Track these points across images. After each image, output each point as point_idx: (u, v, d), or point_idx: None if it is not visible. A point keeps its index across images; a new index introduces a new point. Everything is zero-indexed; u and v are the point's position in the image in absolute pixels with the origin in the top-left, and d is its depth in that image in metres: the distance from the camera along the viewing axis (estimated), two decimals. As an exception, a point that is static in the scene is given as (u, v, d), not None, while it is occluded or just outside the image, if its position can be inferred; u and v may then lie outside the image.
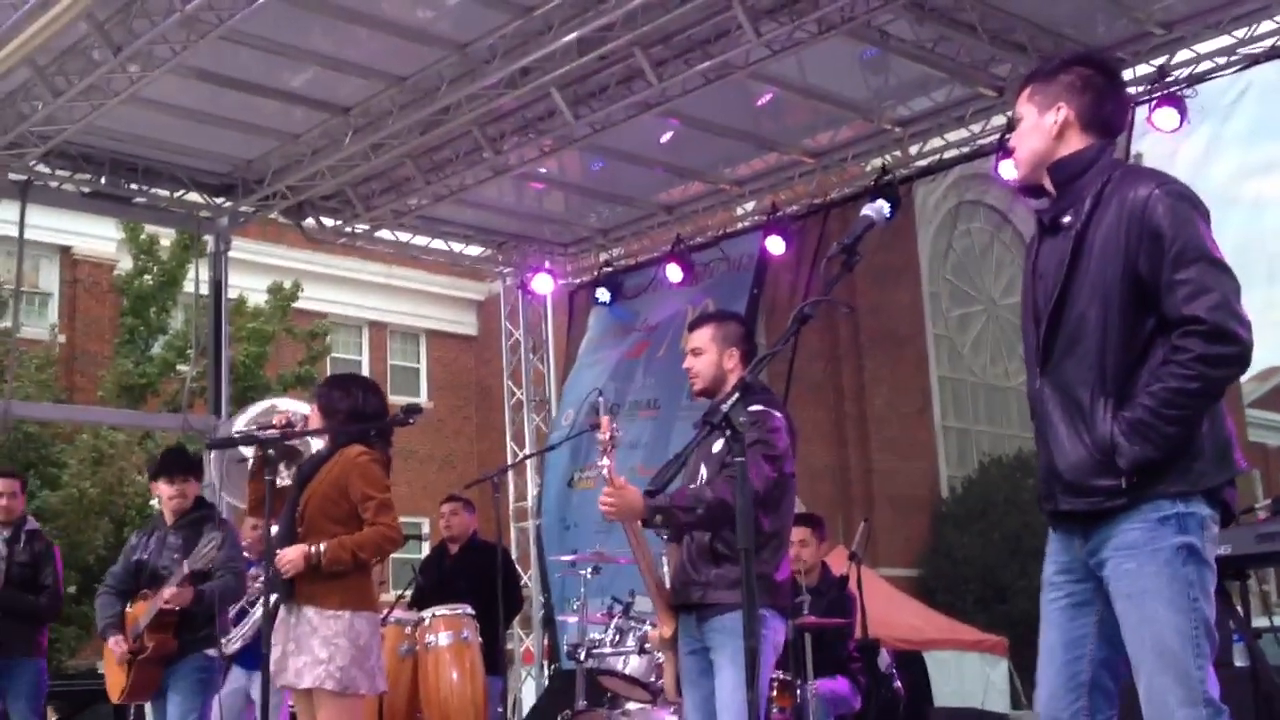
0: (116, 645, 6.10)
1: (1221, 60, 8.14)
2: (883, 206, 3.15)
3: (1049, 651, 3.08)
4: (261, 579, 6.53)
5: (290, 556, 4.70)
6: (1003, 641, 17.60)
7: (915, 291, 25.20)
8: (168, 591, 5.91)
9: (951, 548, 23.24)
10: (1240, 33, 7.94)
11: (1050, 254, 3.10)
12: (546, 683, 10.57)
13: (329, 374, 20.25)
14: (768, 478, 4.15)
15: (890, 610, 13.73)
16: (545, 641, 10.82)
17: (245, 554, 6.75)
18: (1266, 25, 7.83)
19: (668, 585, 4.44)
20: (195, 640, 6.09)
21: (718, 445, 4.22)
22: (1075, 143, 3.12)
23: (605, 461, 4.27)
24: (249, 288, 16.99)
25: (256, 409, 5.85)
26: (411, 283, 23.06)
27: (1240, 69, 8.12)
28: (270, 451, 4.48)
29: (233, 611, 6.43)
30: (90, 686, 8.40)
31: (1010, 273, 28.21)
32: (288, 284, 17.87)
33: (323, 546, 4.70)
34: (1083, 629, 3.04)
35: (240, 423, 5.90)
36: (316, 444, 5.04)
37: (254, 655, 6.44)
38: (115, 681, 6.22)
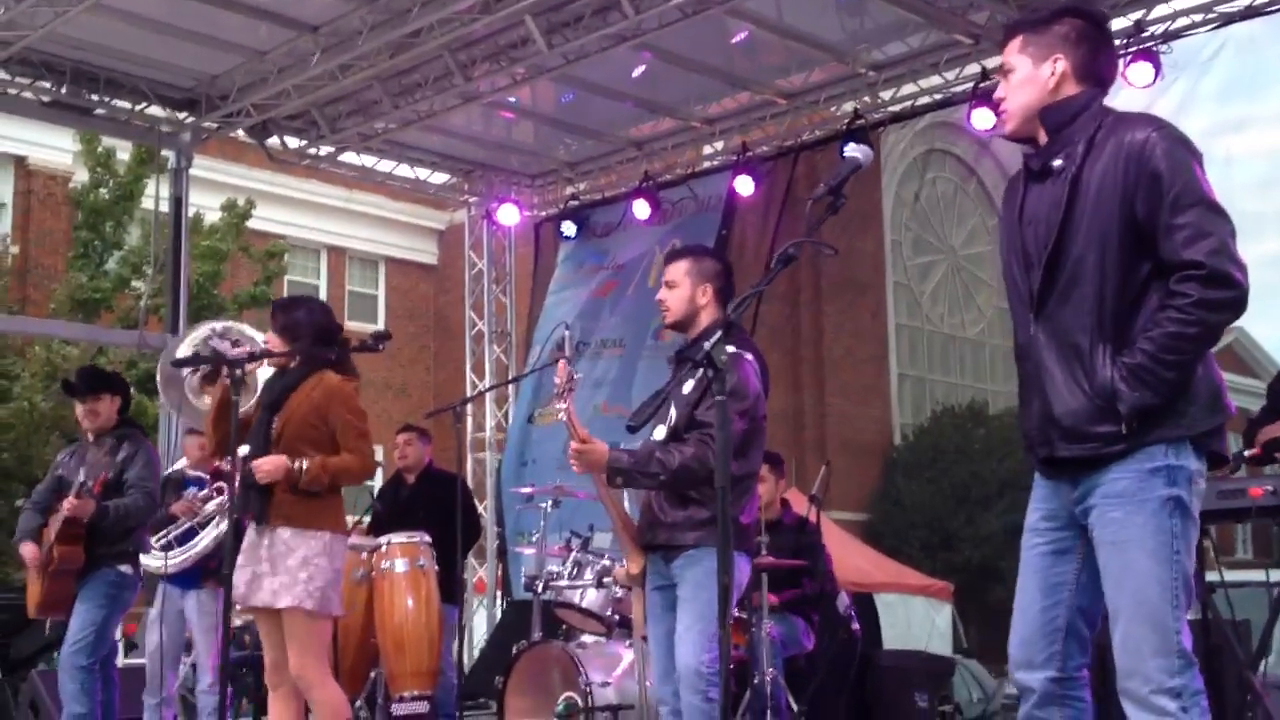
0: (28, 552, 6.16)
1: (1198, 17, 8.12)
2: (868, 150, 3.13)
3: (1026, 596, 3.08)
4: (205, 499, 6.54)
5: (270, 466, 4.63)
6: (948, 587, 17.84)
7: (878, 238, 25.24)
8: (68, 502, 5.92)
9: (900, 494, 23.49)
10: (1219, -10, 7.93)
11: (1040, 200, 3.06)
12: (499, 614, 10.63)
13: (286, 295, 20.13)
14: (737, 431, 4.13)
15: (841, 553, 13.80)
16: (499, 574, 10.86)
17: (193, 471, 6.73)
18: (1245, -17, 7.83)
19: (635, 523, 4.44)
20: (109, 555, 6.11)
21: (688, 385, 4.22)
22: (1069, 95, 3.10)
23: (562, 405, 4.24)
24: (204, 205, 16.75)
25: (205, 329, 5.76)
26: (372, 208, 22.85)
27: (1216, 26, 8.12)
28: (238, 372, 4.41)
29: (177, 531, 6.41)
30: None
31: (973, 223, 28.32)
32: (242, 202, 17.61)
33: (305, 464, 4.64)
34: (1062, 576, 3.05)
35: (189, 342, 5.81)
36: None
37: (191, 576, 6.48)
38: (33, 594, 6.28)
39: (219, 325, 5.38)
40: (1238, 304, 2.88)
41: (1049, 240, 3.00)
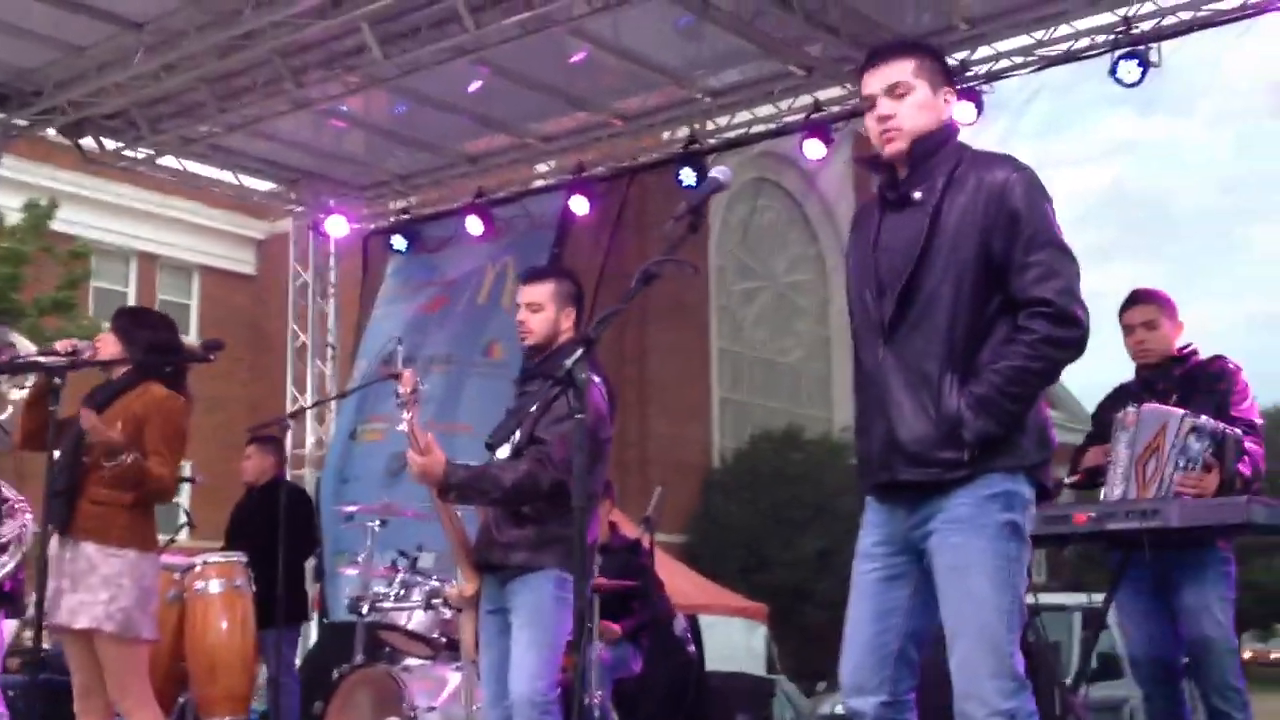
0: None
1: (1019, 60, 8.43)
2: (727, 171, 3.13)
3: (859, 622, 3.11)
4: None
5: (98, 420, 4.37)
6: (763, 608, 18.12)
7: (702, 262, 25.55)
8: None
9: (718, 516, 23.76)
10: (1039, 34, 8.24)
11: (897, 229, 3.11)
12: (315, 636, 10.33)
13: (92, 302, 19.26)
14: (568, 458, 4.09)
15: (663, 574, 13.91)
16: (315, 594, 10.54)
17: None
18: (1064, 29, 8.16)
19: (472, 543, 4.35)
20: None
21: (533, 406, 4.19)
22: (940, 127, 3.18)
23: (406, 415, 4.13)
24: (4, 206, 15.97)
25: None
26: (186, 214, 22.15)
27: (1036, 69, 8.44)
28: (58, 380, 4.17)
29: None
30: None
31: (795, 251, 28.92)
32: (43, 201, 16.80)
33: (128, 456, 4.41)
34: (895, 601, 3.09)
35: None
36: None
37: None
38: None
39: None
40: (1081, 343, 3.00)
41: (905, 269, 3.04)
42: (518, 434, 4.19)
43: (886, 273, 3.09)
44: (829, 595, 22.54)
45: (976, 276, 3.00)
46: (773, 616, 18.63)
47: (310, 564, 10.47)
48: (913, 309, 3.03)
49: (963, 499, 2.98)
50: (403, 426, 4.05)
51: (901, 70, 3.16)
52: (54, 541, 4.49)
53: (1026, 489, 3.03)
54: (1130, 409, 4.59)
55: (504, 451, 4.20)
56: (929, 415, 2.99)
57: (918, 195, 3.08)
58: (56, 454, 4.46)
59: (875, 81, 3.16)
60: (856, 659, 3.10)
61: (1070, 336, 2.98)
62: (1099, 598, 7.83)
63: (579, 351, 2.96)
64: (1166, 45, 7.85)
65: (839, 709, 12.97)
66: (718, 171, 3.11)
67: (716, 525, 23.61)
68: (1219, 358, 4.81)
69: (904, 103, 3.13)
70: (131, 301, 21.60)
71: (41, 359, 4.38)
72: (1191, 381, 4.72)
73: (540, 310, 4.34)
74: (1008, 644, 2.93)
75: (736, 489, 24.03)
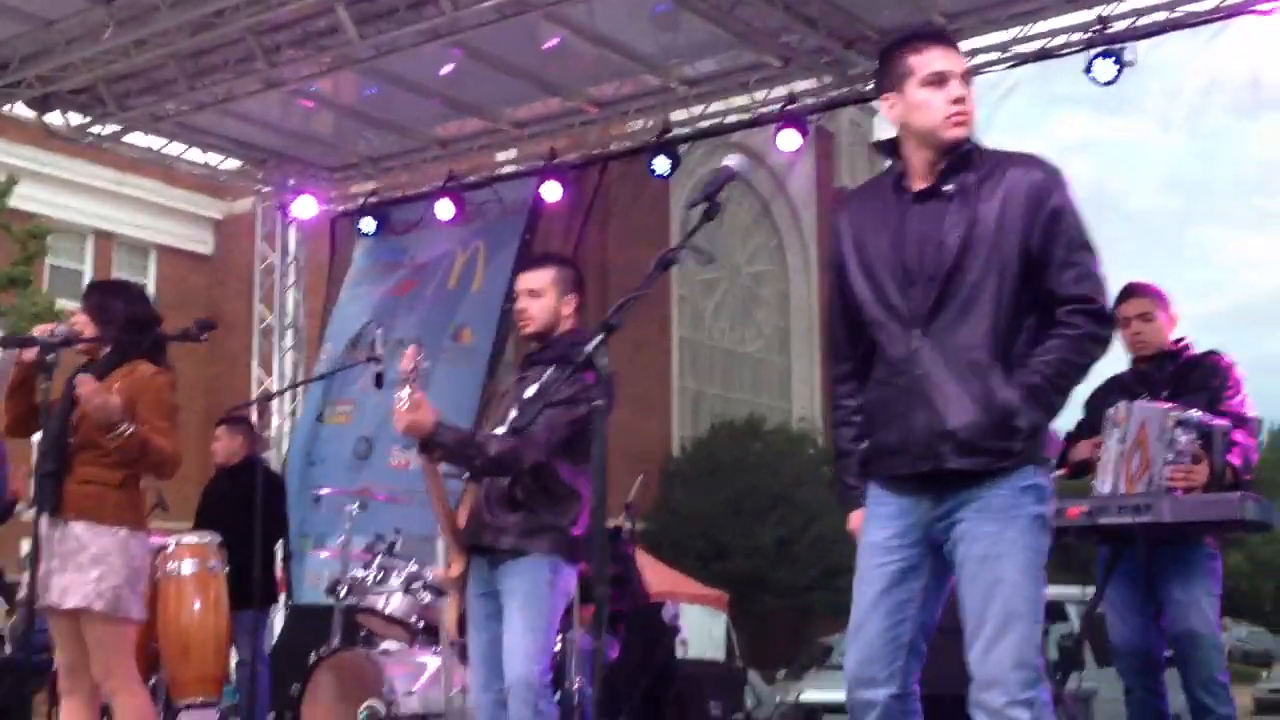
0: None
1: (994, 55, 8.48)
2: (743, 160, 3.12)
3: (869, 614, 3.10)
4: None
5: (97, 390, 4.29)
6: (723, 596, 18.22)
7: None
8: None
9: (677, 505, 23.82)
10: (1015, 31, 8.30)
11: (927, 220, 3.10)
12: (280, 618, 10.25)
13: (47, 279, 19.01)
14: (552, 441, 4.11)
15: (625, 562, 13.95)
16: (280, 576, 10.46)
17: None
18: (1040, 26, 8.22)
19: (462, 524, 4.33)
20: None
21: (530, 390, 4.18)
22: None
23: (405, 393, 4.10)
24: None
25: None
26: (144, 193, 21.89)
27: (1011, 66, 8.50)
28: (50, 357, 4.10)
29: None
30: None
31: (757, 243, 29.00)
32: (3, 178, 16.57)
33: (130, 427, 4.36)
34: (909, 593, 3.09)
35: None
36: None
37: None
38: None
39: None
40: (1110, 342, 3.10)
41: (947, 260, 3.05)
42: (513, 416, 4.19)
43: (917, 262, 3.08)
44: (787, 584, 22.69)
45: (1018, 270, 3.04)
46: (731, 605, 18.73)
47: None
48: (955, 299, 3.04)
49: (999, 490, 2.99)
50: (402, 405, 4.01)
51: (961, 59, 3.17)
52: (42, 521, 4.43)
53: (1047, 481, 3.07)
54: (1121, 405, 4.63)
55: (500, 430, 4.20)
56: (980, 403, 3.00)
57: (949, 187, 3.09)
58: (41, 436, 4.40)
59: (951, 61, 3.12)
60: (867, 651, 3.09)
61: (1107, 334, 3.08)
62: (1066, 590, 7.94)
63: (599, 338, 2.95)
64: (1142, 45, 7.91)
65: (802, 697, 13.07)
66: (732, 160, 3.11)
67: (676, 514, 23.67)
68: (1213, 353, 4.86)
69: (970, 92, 3.14)
70: (87, 280, 21.35)
71: (37, 337, 4.29)
72: (1185, 376, 4.78)
73: (540, 296, 4.30)
74: (1034, 634, 2.96)
75: (696, 478, 24.10)
